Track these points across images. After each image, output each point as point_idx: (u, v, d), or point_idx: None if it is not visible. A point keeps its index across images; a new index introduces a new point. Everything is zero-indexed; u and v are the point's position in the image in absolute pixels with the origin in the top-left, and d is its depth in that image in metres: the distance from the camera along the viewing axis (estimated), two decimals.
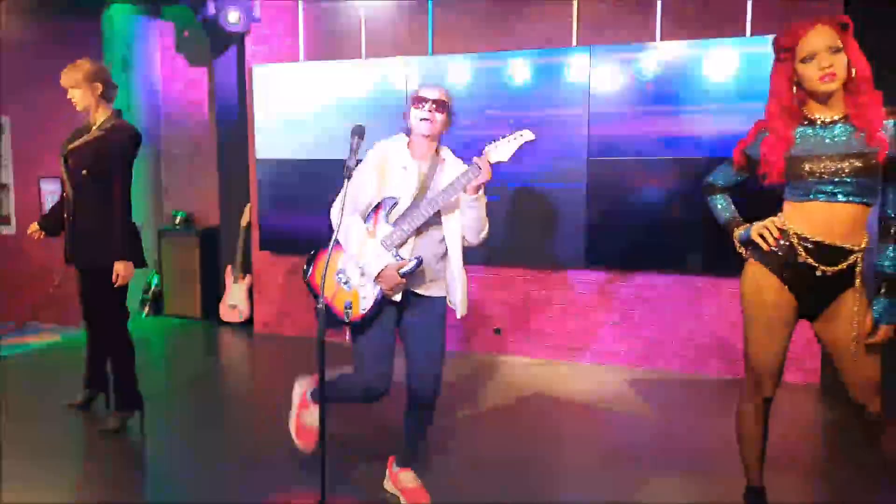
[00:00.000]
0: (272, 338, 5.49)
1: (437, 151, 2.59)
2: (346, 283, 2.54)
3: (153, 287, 6.13)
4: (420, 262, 2.46)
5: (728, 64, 4.10)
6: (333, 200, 2.55)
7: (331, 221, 2.54)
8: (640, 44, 4.33)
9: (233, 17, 4.76)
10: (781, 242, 2.17)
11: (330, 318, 2.48)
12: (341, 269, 2.56)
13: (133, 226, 3.42)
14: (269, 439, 3.48)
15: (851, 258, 2.10)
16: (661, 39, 4.35)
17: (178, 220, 6.13)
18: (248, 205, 5.60)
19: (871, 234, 2.15)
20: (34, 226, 3.66)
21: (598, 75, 4.39)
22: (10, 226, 6.92)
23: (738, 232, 2.31)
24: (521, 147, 2.46)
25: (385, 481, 2.84)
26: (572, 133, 4.47)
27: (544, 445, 3.42)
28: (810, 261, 2.12)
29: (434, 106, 2.48)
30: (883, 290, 2.10)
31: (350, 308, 2.49)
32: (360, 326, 2.52)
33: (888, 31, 3.84)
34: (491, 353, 4.94)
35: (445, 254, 2.57)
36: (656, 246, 4.38)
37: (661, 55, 4.26)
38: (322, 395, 2.28)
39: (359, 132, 2.36)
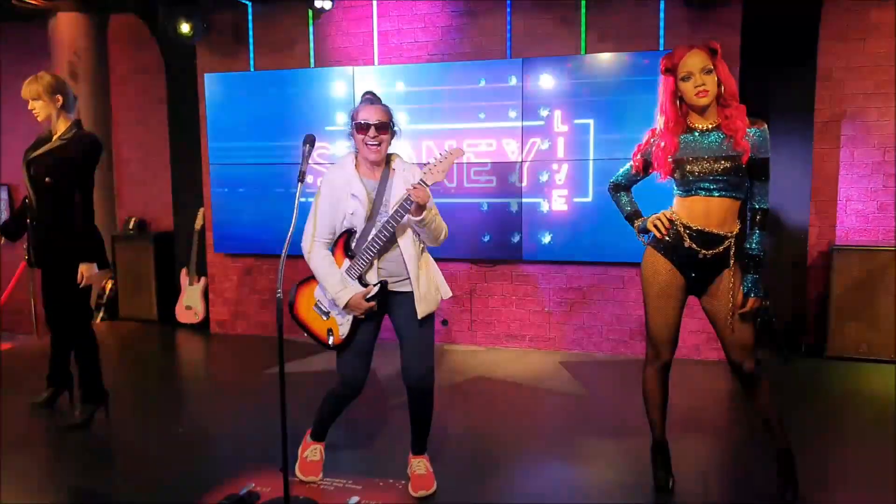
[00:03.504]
0: (227, 337, 5.71)
1: (388, 162, 2.70)
2: (324, 312, 2.75)
3: (107, 292, 6.25)
4: (385, 284, 2.63)
5: (643, 74, 4.55)
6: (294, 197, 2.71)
7: (305, 258, 2.74)
8: (567, 56, 4.76)
9: (184, 27, 4.96)
10: (671, 231, 2.58)
11: (317, 340, 2.76)
12: (318, 300, 2.77)
13: (95, 229, 3.61)
14: (230, 428, 3.74)
15: (726, 243, 2.53)
16: (586, 52, 4.78)
17: (131, 226, 6.28)
18: (202, 209, 5.80)
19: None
20: None
21: (529, 84, 4.79)
22: None
23: (638, 223, 2.71)
24: (455, 160, 2.59)
25: (407, 467, 2.96)
26: (507, 138, 4.86)
27: (488, 418, 3.80)
28: (693, 246, 2.54)
29: (376, 131, 2.57)
30: (751, 269, 2.53)
31: (332, 334, 2.73)
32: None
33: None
34: (438, 343, 5.28)
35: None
36: (584, 241, 4.80)
37: (585, 66, 4.69)
38: (282, 383, 2.51)
39: (310, 141, 2.60)
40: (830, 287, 4.65)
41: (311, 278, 2.81)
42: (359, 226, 2.66)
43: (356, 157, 2.70)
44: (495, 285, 5.15)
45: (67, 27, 5.94)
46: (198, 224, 5.82)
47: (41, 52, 6.00)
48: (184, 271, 5.93)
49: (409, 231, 2.66)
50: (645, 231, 2.67)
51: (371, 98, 2.68)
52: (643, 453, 2.95)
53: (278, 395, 2.50)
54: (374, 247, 2.60)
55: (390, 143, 2.67)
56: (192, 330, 5.88)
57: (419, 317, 2.67)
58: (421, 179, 2.55)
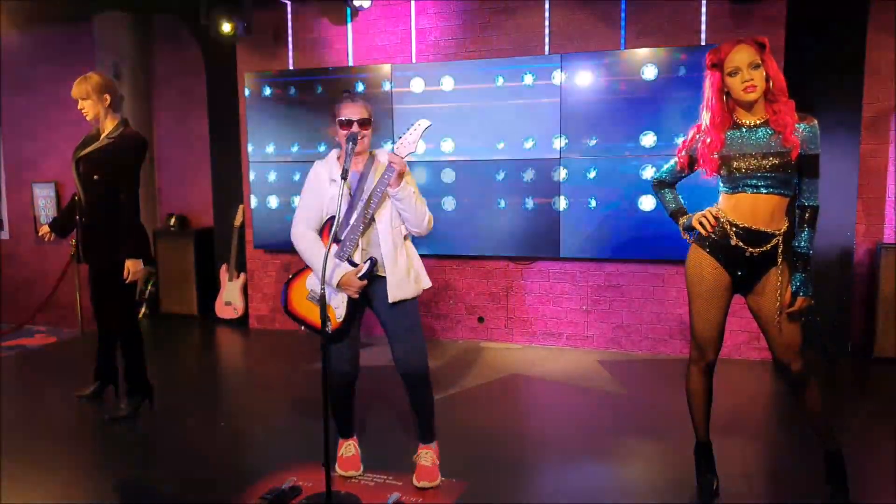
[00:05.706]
0: (266, 333, 5.79)
1: (370, 154, 2.85)
2: (318, 300, 2.79)
3: (148, 287, 6.38)
4: (374, 261, 2.72)
5: (684, 69, 4.48)
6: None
7: (293, 243, 2.83)
8: (606, 52, 4.71)
9: (226, 27, 5.03)
10: (717, 228, 2.54)
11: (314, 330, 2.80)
12: (311, 289, 2.85)
13: (141, 225, 3.70)
14: (271, 422, 3.79)
15: (774, 241, 2.48)
16: (625, 48, 4.73)
17: (172, 222, 6.40)
18: (241, 206, 5.89)
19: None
20: (45, 227, 3.91)
21: (568, 80, 4.76)
22: (3, 231, 7.10)
23: (682, 220, 2.67)
24: (424, 132, 2.72)
25: (414, 456, 3.01)
26: (545, 134, 4.83)
27: (523, 417, 3.79)
28: (740, 244, 2.49)
29: (359, 126, 2.74)
30: (799, 267, 2.48)
31: (328, 320, 2.77)
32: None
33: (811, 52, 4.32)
34: (475, 339, 5.29)
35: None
36: (623, 237, 4.75)
37: (624, 62, 4.64)
38: (325, 378, 2.58)
39: (353, 139, 2.71)
40: (877, 286, 4.53)
41: (298, 274, 2.92)
42: (341, 211, 2.73)
43: (340, 152, 2.85)
44: (532, 282, 5.13)
45: (111, 28, 6.08)
46: (237, 221, 5.90)
47: (86, 52, 6.15)
48: (224, 267, 6.02)
49: (388, 214, 2.77)
50: (690, 228, 2.63)
51: (351, 96, 2.86)
52: (684, 454, 2.91)
53: (321, 391, 2.53)
54: (359, 227, 2.73)
55: (371, 137, 2.85)
56: (232, 325, 5.97)
57: (389, 300, 2.76)
58: (394, 150, 2.71)
